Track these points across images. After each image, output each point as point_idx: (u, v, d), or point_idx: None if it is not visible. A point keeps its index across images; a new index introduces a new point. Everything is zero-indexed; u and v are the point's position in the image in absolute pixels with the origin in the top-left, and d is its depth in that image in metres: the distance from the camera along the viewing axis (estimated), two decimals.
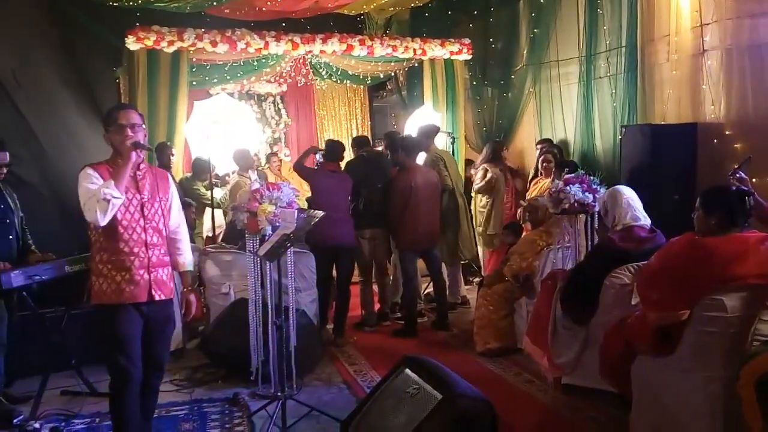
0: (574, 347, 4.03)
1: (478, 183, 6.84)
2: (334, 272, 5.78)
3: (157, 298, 3.18)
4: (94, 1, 6.27)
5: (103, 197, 2.92)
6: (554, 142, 7.10)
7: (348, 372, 4.82)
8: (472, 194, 7.04)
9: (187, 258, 3.47)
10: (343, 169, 6.00)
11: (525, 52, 7.79)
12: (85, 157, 5.42)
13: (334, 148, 5.88)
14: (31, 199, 4.99)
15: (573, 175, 4.81)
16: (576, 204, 4.59)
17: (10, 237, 4.22)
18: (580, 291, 3.91)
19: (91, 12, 6.47)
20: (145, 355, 3.18)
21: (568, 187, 4.62)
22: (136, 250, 3.12)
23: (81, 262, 4.19)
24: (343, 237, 5.57)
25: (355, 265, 6.09)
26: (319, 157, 6.44)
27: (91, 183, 3.02)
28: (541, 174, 6.68)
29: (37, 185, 5.14)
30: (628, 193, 4.01)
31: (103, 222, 2.98)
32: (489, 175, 6.74)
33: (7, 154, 4.17)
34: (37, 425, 3.77)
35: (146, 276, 3.15)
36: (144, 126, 3.23)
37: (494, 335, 5.02)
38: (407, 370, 3.29)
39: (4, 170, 4.18)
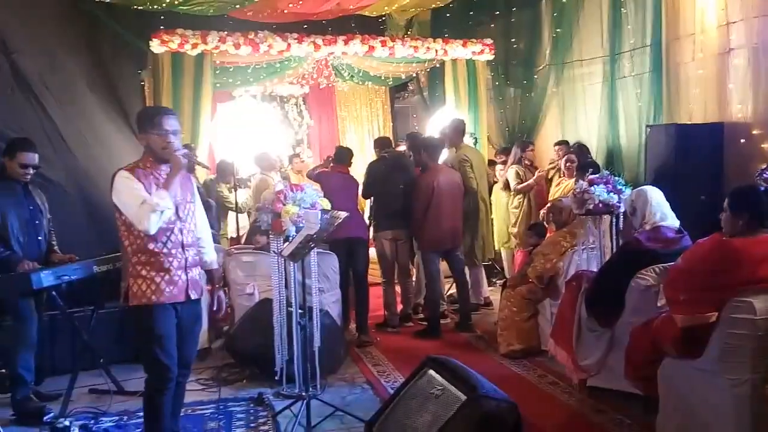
0: (600, 349, 4.00)
1: (514, 184, 6.89)
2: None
3: (192, 297, 3.24)
4: (119, 5, 6.36)
5: (159, 209, 2.98)
6: (571, 144, 7.05)
7: (371, 372, 4.83)
8: (495, 195, 7.04)
9: (211, 256, 3.50)
10: (365, 169, 6.07)
11: (548, 51, 7.77)
12: (111, 159, 5.54)
13: (342, 153, 6.16)
14: (57, 199, 5.06)
15: (598, 175, 4.77)
16: (601, 205, 4.56)
17: (39, 238, 4.29)
18: (605, 292, 3.88)
19: (117, 16, 6.57)
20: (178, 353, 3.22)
21: (592, 188, 4.60)
22: (174, 251, 3.15)
23: (109, 263, 4.25)
24: (355, 230, 5.58)
25: (378, 265, 6.14)
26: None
27: (134, 189, 3.01)
28: (564, 174, 6.64)
29: (63, 186, 5.22)
30: (657, 193, 3.96)
31: (154, 231, 3.02)
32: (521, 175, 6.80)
33: (36, 155, 4.23)
34: (66, 423, 3.81)
35: (183, 276, 3.19)
36: (181, 132, 3.26)
37: (518, 337, 5.00)
38: (431, 371, 3.29)
39: (31, 171, 4.23)
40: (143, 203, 2.98)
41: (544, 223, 5.95)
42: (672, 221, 3.86)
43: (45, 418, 3.96)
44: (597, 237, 4.79)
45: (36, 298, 4.19)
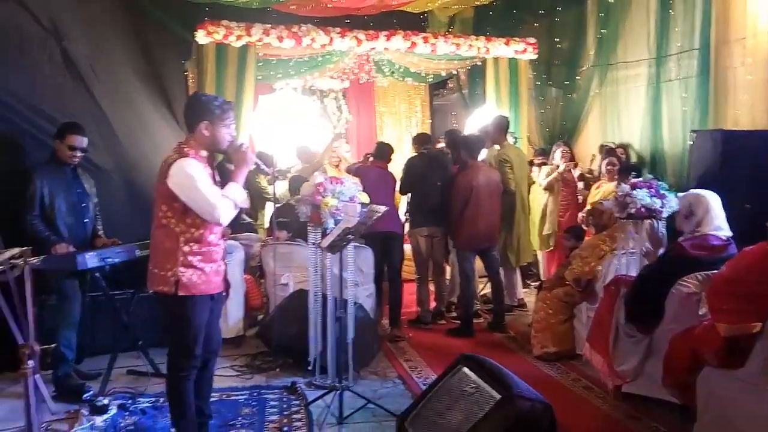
0: (637, 355, 3.94)
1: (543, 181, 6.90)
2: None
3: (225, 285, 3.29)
4: None
5: (239, 204, 3.07)
6: (612, 147, 6.95)
7: (403, 367, 4.84)
8: (533, 196, 6.99)
9: None
10: (404, 165, 6.10)
11: (592, 52, 7.66)
12: (154, 146, 5.64)
13: (383, 148, 6.20)
14: (102, 184, 5.18)
15: (641, 179, 4.70)
16: (643, 209, 4.49)
17: (85, 221, 4.41)
18: (645, 298, 3.83)
19: (163, 6, 6.67)
20: (206, 340, 3.27)
21: (635, 191, 4.53)
22: (217, 241, 3.19)
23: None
24: (391, 225, 5.61)
25: (412, 261, 6.16)
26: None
27: (207, 179, 3.04)
28: (604, 177, 6.55)
29: (108, 171, 5.32)
30: (717, 202, 3.83)
31: (227, 223, 3.11)
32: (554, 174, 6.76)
33: (85, 139, 4.34)
34: (105, 401, 3.92)
35: (222, 267, 3.25)
36: None
37: (552, 339, 4.96)
38: (465, 369, 3.28)
39: (79, 153, 4.33)
40: (223, 196, 3.02)
41: (583, 225, 5.88)
42: (726, 232, 3.77)
43: (84, 395, 4.06)
44: (638, 242, 4.72)
45: (80, 279, 4.30)
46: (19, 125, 4.74)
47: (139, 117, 5.95)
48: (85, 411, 3.88)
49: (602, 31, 7.43)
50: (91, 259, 3.98)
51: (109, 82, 5.63)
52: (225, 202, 3.04)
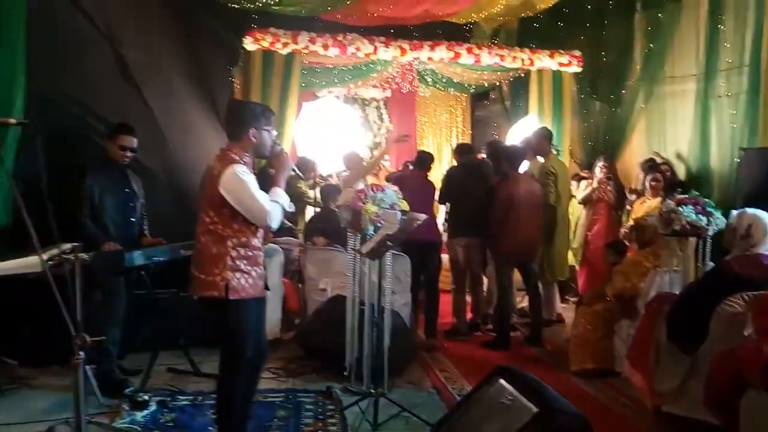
0: (678, 374, 3.86)
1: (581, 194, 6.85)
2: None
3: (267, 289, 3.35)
4: (215, 3, 6.61)
5: (287, 208, 3.18)
6: (656, 162, 6.84)
7: (438, 378, 4.83)
8: (573, 210, 6.93)
9: None
10: (444, 175, 6.10)
11: (638, 67, 7.57)
12: (200, 150, 5.75)
13: (424, 157, 6.23)
14: (149, 185, 5.31)
15: (687, 195, 4.62)
16: (688, 226, 4.41)
17: (132, 220, 4.52)
18: (688, 317, 3.75)
19: (213, 13, 6.82)
20: (255, 344, 3.31)
21: (680, 208, 4.45)
22: (261, 245, 3.27)
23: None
24: (429, 234, 5.62)
25: (450, 271, 6.14)
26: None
27: (255, 185, 3.09)
28: (647, 193, 6.44)
29: (156, 173, 5.46)
30: None
31: (276, 227, 3.22)
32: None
33: (135, 139, 4.46)
34: (146, 397, 4.01)
35: (264, 270, 3.30)
36: None
37: (591, 355, 4.88)
38: (501, 380, 3.25)
39: (129, 153, 4.45)
40: (273, 201, 3.11)
41: (626, 241, 5.79)
42: None
43: (126, 390, 4.16)
44: (681, 259, 4.63)
45: (125, 277, 4.41)
46: (73, 125, 4.90)
47: (186, 121, 6.09)
48: (126, 406, 3.97)
49: (650, 45, 7.34)
50: (137, 258, 4.09)
51: (159, 85, 5.78)
52: (275, 207, 3.12)
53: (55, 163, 4.67)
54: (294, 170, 3.38)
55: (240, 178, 3.05)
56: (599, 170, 6.88)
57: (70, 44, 4.98)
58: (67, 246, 2.95)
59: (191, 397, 4.17)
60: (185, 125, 6.05)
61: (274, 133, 3.31)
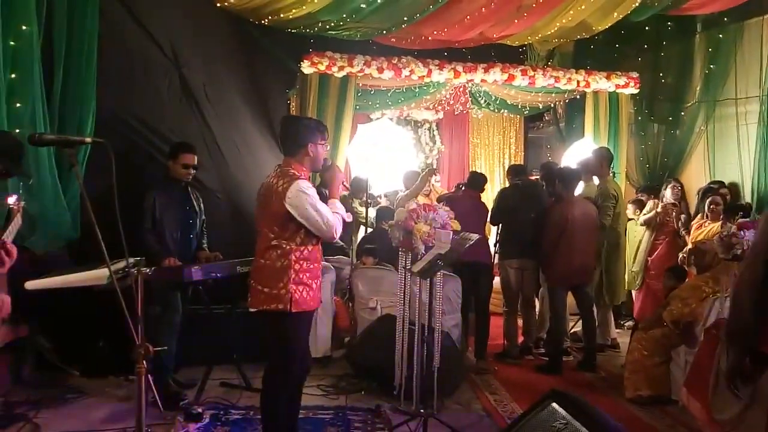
0: (738, 404, 3.70)
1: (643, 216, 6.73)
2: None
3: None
4: (274, 27, 6.81)
5: (346, 219, 3.32)
6: (714, 186, 6.64)
7: (488, 400, 4.78)
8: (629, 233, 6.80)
9: None
10: (497, 195, 6.08)
11: (698, 88, 7.41)
12: (258, 170, 5.90)
13: (477, 178, 6.22)
14: (208, 203, 5.48)
15: (748, 219, 4.48)
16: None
17: (191, 236, 4.66)
18: None
19: (272, 37, 7.03)
20: (302, 357, 3.39)
21: (741, 232, 4.32)
22: (320, 258, 3.37)
23: (251, 265, 4.52)
24: (480, 255, 5.59)
25: (501, 292, 6.09)
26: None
27: (318, 200, 3.22)
28: (707, 216, 6.26)
29: (215, 191, 5.63)
30: None
31: (338, 237, 3.34)
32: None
33: (196, 156, 4.61)
34: (200, 410, 4.10)
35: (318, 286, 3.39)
36: None
37: (647, 382, 4.74)
38: (554, 404, 3.20)
39: (192, 171, 4.59)
40: (335, 213, 3.24)
41: (684, 265, 5.64)
42: None
43: (180, 403, 4.26)
44: None
45: (182, 291, 4.54)
46: (138, 144, 5.11)
47: (245, 141, 6.26)
48: (180, 417, 4.06)
49: (710, 66, 7.19)
50: (196, 273, 4.20)
51: (220, 107, 5.98)
52: (338, 218, 3.25)
53: (119, 181, 4.87)
54: (342, 183, 3.43)
55: (306, 193, 3.16)
56: (670, 192, 6.73)
57: (137, 67, 5.22)
58: (131, 260, 3.06)
59: (243, 411, 4.24)
60: (244, 145, 6.23)
61: (327, 147, 3.39)
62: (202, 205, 4.78)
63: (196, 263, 4.44)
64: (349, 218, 3.34)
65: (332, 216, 3.22)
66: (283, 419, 3.34)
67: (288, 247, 3.22)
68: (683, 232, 6.57)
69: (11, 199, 3.04)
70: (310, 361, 3.54)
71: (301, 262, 3.23)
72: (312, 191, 3.19)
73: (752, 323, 2.39)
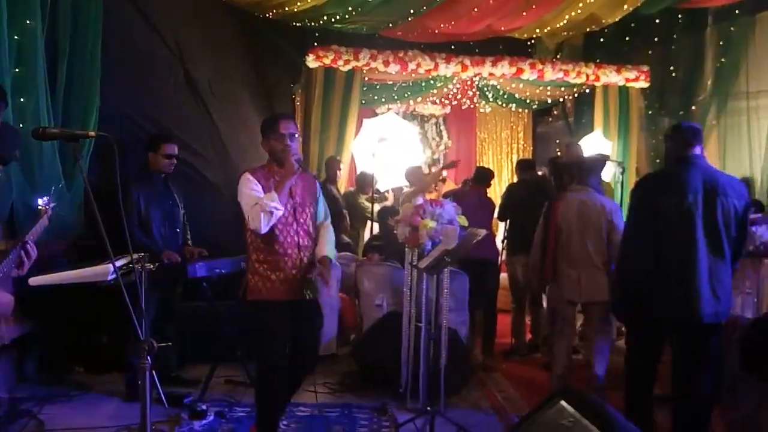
0: (751, 402, 3.66)
1: None
2: None
3: (307, 297, 3.40)
4: (279, 21, 6.77)
5: (268, 209, 3.17)
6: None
7: (496, 398, 4.72)
8: None
9: (326, 249, 3.50)
10: (504, 191, 6.02)
11: (709, 82, 7.32)
12: (263, 163, 5.86)
13: (483, 173, 6.14)
14: (213, 200, 5.45)
15: (760, 215, 4.41)
16: (762, 247, 4.20)
17: (177, 230, 4.55)
18: (765, 342, 3.55)
19: (277, 31, 6.99)
20: (296, 350, 3.38)
21: (753, 228, 4.24)
22: (289, 251, 3.33)
23: None
24: (487, 251, 5.54)
25: (509, 289, 6.03)
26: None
27: (252, 190, 3.25)
28: None
29: (220, 187, 5.59)
30: None
31: (264, 230, 3.22)
32: None
33: (176, 146, 4.50)
34: (204, 407, 4.06)
35: (299, 276, 3.35)
36: (298, 136, 3.48)
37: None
38: (563, 402, 3.15)
39: (174, 161, 4.47)
40: (255, 204, 3.19)
41: None
42: None
43: (185, 400, 4.22)
44: (754, 281, 4.41)
45: (184, 286, 4.50)
46: (142, 139, 5.06)
47: (250, 135, 6.20)
48: (185, 415, 4.02)
49: (722, 59, 7.10)
50: (200, 269, 4.17)
51: (225, 101, 5.94)
52: (255, 210, 3.17)
53: (121, 175, 4.84)
54: (299, 162, 3.33)
55: (241, 183, 3.31)
56: None
57: (141, 61, 5.18)
58: (134, 257, 3.04)
59: (248, 409, 4.19)
60: (249, 140, 6.17)
61: (285, 138, 3.31)
62: (182, 197, 4.63)
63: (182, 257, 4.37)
64: (279, 212, 3.21)
65: (250, 207, 3.20)
66: (268, 405, 3.38)
67: (248, 240, 3.37)
68: None
69: (41, 201, 3.04)
70: (308, 354, 3.50)
71: (257, 253, 3.32)
72: (248, 183, 3.27)
73: None
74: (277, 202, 3.19)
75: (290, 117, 3.59)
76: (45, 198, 3.04)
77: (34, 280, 3.48)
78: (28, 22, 4.06)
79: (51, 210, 3.05)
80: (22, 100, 4.06)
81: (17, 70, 4.03)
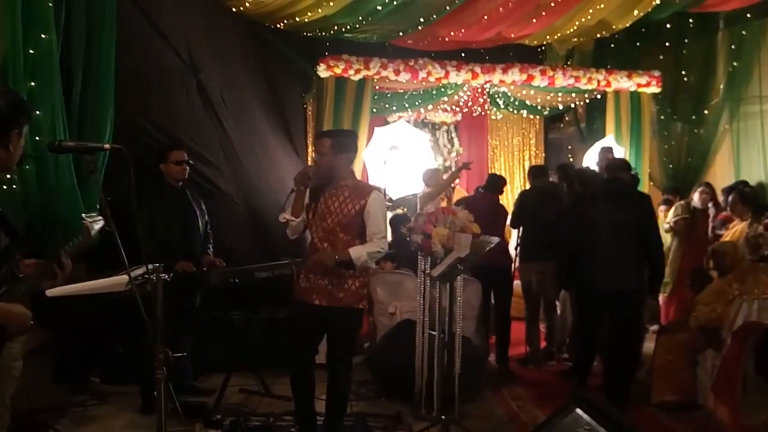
0: (767, 408, 3.61)
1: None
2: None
3: (316, 303, 3.51)
4: (290, 31, 6.81)
5: (281, 219, 3.57)
6: (748, 184, 6.49)
7: (510, 406, 4.70)
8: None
9: (354, 251, 3.50)
10: (516, 198, 6.00)
11: (722, 86, 7.29)
12: (276, 174, 5.90)
13: (495, 180, 6.15)
14: (226, 209, 5.47)
15: None
16: None
17: (196, 240, 4.51)
18: None
19: (287, 41, 7.03)
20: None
21: None
22: (309, 251, 3.63)
23: (269, 270, 4.49)
24: (500, 259, 5.54)
25: (522, 298, 6.00)
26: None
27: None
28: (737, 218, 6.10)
29: (233, 196, 5.62)
30: None
31: (291, 237, 3.66)
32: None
33: (184, 152, 4.50)
34: (219, 416, 4.07)
35: (314, 280, 3.53)
36: (325, 152, 3.52)
37: (673, 387, 4.63)
38: (578, 410, 3.13)
39: (186, 166, 4.44)
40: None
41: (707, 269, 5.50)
42: None
43: (200, 410, 4.23)
44: None
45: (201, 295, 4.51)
46: (154, 150, 5.10)
47: (262, 146, 6.26)
48: (200, 425, 4.04)
49: (734, 63, 7.06)
50: (214, 278, 4.18)
51: (237, 111, 5.98)
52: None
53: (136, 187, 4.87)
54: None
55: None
56: (698, 197, 6.52)
57: (155, 73, 5.22)
58: (150, 267, 3.05)
59: (262, 418, 4.21)
60: (261, 149, 6.23)
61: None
62: (203, 206, 4.63)
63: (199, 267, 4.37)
64: (293, 223, 3.57)
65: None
66: (297, 400, 3.67)
67: None
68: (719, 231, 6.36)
69: (86, 216, 3.00)
70: (331, 357, 3.58)
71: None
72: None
73: None
74: (287, 214, 3.55)
75: (320, 134, 4.04)
76: (93, 214, 2.96)
77: (51, 292, 3.50)
78: (43, 36, 4.10)
79: (95, 226, 3.00)
80: (38, 113, 4.09)
81: (32, 83, 4.06)
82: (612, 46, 7.97)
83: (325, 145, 3.53)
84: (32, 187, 4.04)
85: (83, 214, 2.96)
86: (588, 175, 5.80)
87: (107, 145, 2.57)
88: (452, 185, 7.68)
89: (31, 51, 4.03)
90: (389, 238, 6.56)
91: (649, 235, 4.55)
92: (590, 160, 7.14)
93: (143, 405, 4.28)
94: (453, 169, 10.02)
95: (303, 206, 3.54)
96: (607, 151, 6.61)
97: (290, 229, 3.60)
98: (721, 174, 7.27)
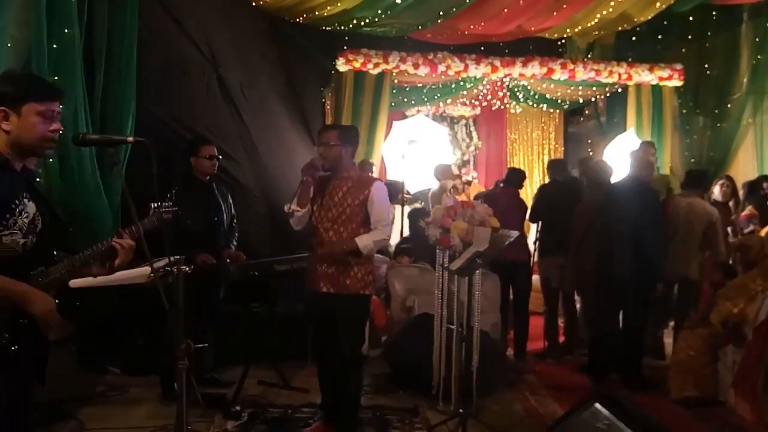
0: None
1: None
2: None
3: (323, 290, 3.56)
4: (309, 25, 6.83)
5: (286, 210, 3.62)
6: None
7: (528, 400, 4.69)
8: None
9: (361, 240, 3.55)
10: (536, 192, 5.97)
11: (745, 79, 7.18)
12: (293, 167, 5.92)
13: (515, 175, 6.10)
14: (244, 202, 5.50)
15: None
16: None
17: (219, 233, 4.53)
18: None
19: (306, 35, 7.04)
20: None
21: None
22: (317, 247, 3.64)
23: (288, 263, 4.51)
24: (519, 253, 5.50)
25: (541, 292, 5.98)
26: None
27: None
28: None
29: (251, 189, 5.66)
30: None
31: (296, 228, 3.72)
32: None
33: (215, 147, 4.52)
34: (238, 408, 4.11)
35: (320, 268, 3.59)
36: (333, 143, 3.57)
37: (693, 382, 4.59)
38: (597, 405, 3.12)
39: (215, 162, 4.47)
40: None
41: (731, 262, 5.43)
42: None
43: (220, 401, 4.27)
44: None
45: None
46: (174, 144, 5.14)
47: (280, 139, 6.29)
48: (219, 416, 4.08)
49: (758, 56, 6.96)
50: (235, 271, 4.21)
51: (256, 105, 6.02)
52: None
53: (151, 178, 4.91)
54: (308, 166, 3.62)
55: None
56: (718, 189, 6.41)
57: (176, 67, 5.28)
58: (172, 258, 3.07)
59: (280, 410, 4.24)
60: (279, 143, 6.26)
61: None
62: (229, 200, 4.66)
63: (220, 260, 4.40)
64: (298, 214, 3.66)
65: None
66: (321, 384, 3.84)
67: None
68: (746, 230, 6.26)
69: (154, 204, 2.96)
70: (337, 347, 3.59)
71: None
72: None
73: None
74: (292, 205, 3.62)
75: (325, 128, 4.11)
76: (161, 203, 2.94)
77: (74, 283, 3.55)
78: (66, 30, 4.16)
79: (160, 215, 2.94)
80: (61, 107, 4.14)
81: (56, 78, 4.11)
82: (633, 39, 7.88)
83: (333, 136, 3.60)
84: (55, 181, 4.10)
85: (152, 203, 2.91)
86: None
87: (130, 138, 2.60)
88: (468, 180, 7.69)
89: (54, 45, 4.09)
90: (407, 232, 6.60)
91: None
92: (610, 153, 7.08)
93: (164, 394, 4.33)
94: (471, 163, 10.02)
95: (309, 197, 3.63)
96: (648, 145, 6.44)
97: (295, 219, 3.67)
98: (744, 169, 7.16)
